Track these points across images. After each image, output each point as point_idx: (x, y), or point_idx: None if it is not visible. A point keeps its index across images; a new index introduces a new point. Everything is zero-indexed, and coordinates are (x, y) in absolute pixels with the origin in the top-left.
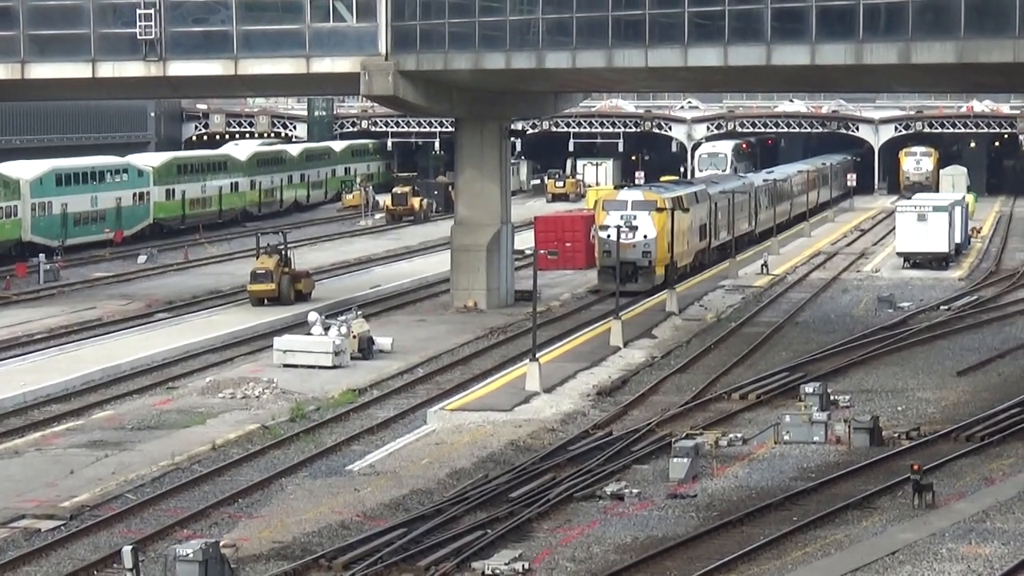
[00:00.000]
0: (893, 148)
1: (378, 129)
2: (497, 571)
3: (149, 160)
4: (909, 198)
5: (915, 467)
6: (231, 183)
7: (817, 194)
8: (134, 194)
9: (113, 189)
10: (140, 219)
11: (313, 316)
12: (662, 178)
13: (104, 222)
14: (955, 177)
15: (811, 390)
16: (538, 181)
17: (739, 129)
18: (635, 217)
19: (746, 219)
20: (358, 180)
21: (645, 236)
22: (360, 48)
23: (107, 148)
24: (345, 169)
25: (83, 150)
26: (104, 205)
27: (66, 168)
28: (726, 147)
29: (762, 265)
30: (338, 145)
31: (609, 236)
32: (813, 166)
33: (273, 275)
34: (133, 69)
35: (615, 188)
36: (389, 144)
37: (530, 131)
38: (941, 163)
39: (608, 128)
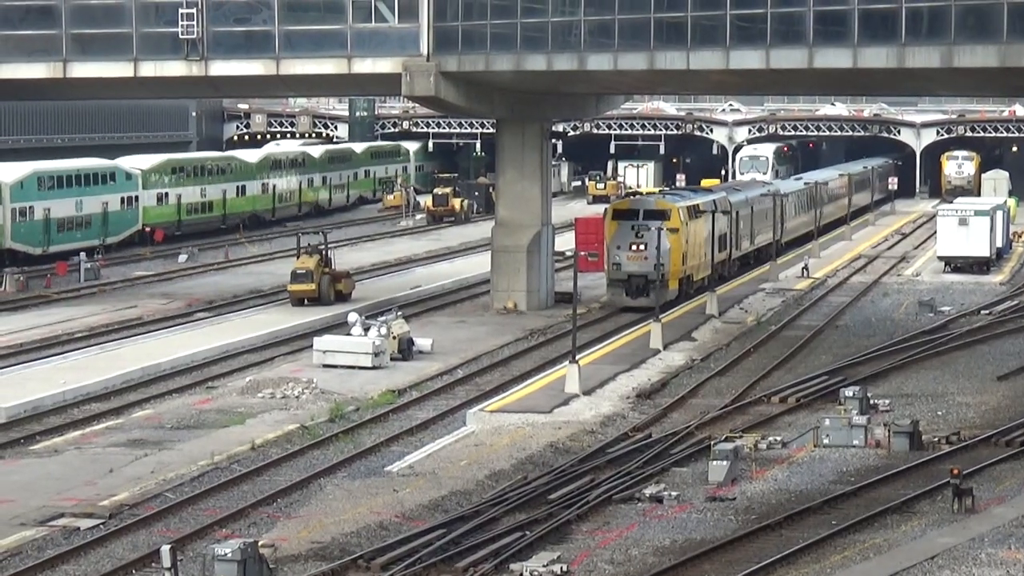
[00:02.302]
0: (935, 152)
1: (419, 130)
2: (536, 572)
3: (138, 162)
4: (951, 202)
5: (955, 471)
6: (237, 187)
7: (849, 201)
8: (122, 198)
9: (99, 193)
10: (128, 225)
11: (353, 316)
12: (703, 181)
13: (90, 228)
14: (997, 181)
15: (851, 394)
16: (579, 183)
17: (780, 132)
18: (647, 228)
19: (770, 228)
20: (399, 181)
21: (658, 248)
22: (402, 48)
23: (149, 147)
24: (366, 172)
25: (125, 149)
26: (89, 210)
27: (49, 171)
28: (767, 150)
29: (803, 268)
30: (359, 147)
31: (619, 247)
32: (849, 171)
33: (313, 275)
34: (175, 69)
35: (657, 191)
36: (430, 145)
37: (571, 133)
38: (983, 167)
39: (649, 130)
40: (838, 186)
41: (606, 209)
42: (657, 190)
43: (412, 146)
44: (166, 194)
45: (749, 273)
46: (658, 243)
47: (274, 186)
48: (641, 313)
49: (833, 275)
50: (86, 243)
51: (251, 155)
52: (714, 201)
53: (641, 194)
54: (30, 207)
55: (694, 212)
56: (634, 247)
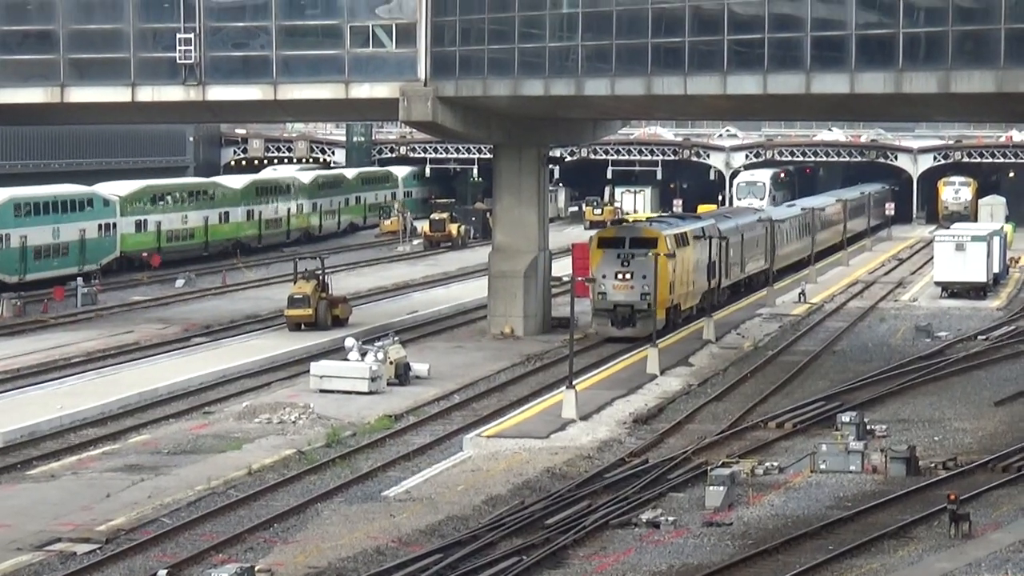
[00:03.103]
0: (932, 177)
1: (416, 155)
2: None
3: (116, 188)
4: (948, 227)
5: (952, 497)
6: (220, 213)
7: (844, 227)
8: (99, 225)
9: (77, 220)
10: (106, 253)
11: (350, 342)
12: (700, 207)
13: (67, 256)
14: (994, 207)
15: (848, 419)
16: (576, 208)
17: (777, 157)
18: (633, 256)
19: (761, 256)
20: (396, 206)
21: (644, 277)
22: (399, 74)
23: (146, 172)
24: (357, 198)
25: (122, 174)
26: (67, 237)
27: (25, 197)
28: (764, 176)
29: (800, 294)
30: (350, 172)
31: (605, 276)
32: (844, 196)
33: (310, 300)
34: (172, 93)
35: (644, 218)
36: (427, 171)
37: (568, 158)
38: (980, 193)
39: (646, 156)
40: (833, 212)
41: (591, 237)
42: (644, 217)
43: (401, 171)
44: (145, 221)
45: (746, 298)
46: (645, 272)
47: (260, 212)
48: (627, 344)
49: (830, 300)
50: (63, 271)
51: (235, 181)
52: (702, 229)
53: (629, 221)
54: (6, 234)
55: (682, 240)
56: (620, 276)
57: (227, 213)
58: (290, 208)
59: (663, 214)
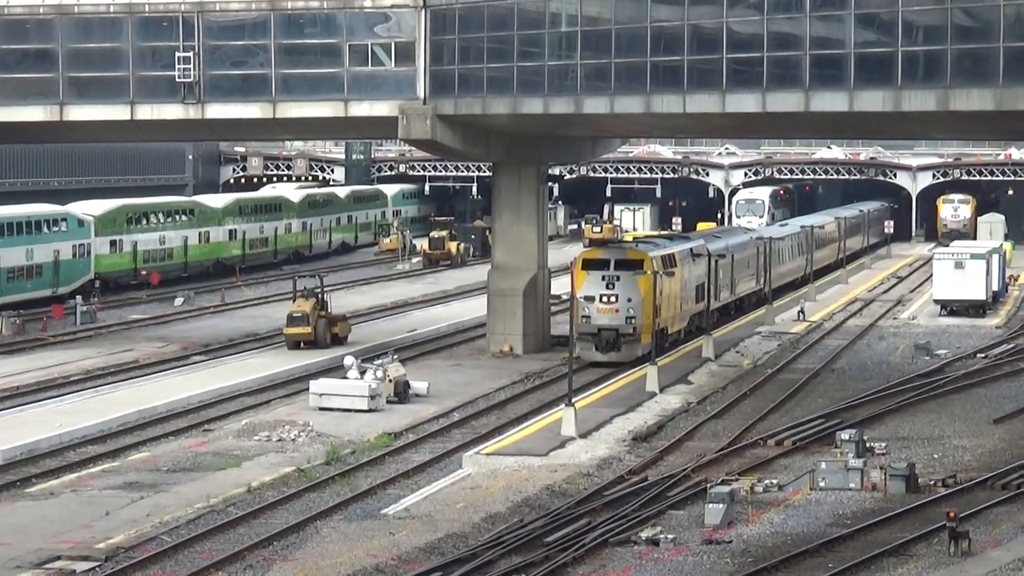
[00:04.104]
0: (931, 195)
1: (416, 173)
2: None
3: (91, 208)
4: (947, 245)
5: (951, 514)
6: (200, 233)
7: (839, 247)
8: (74, 246)
9: (50, 241)
10: (80, 274)
11: (349, 360)
12: (699, 224)
13: (41, 278)
14: (993, 225)
15: (847, 437)
16: (575, 226)
17: (777, 175)
18: (618, 278)
19: (752, 277)
20: (395, 224)
21: (629, 299)
22: (398, 92)
23: (145, 190)
24: (349, 217)
25: (121, 192)
26: (41, 258)
27: None
28: (763, 193)
29: (799, 311)
30: (343, 191)
31: (589, 299)
32: (842, 215)
33: (309, 318)
34: (171, 112)
35: (632, 239)
36: (427, 188)
37: (568, 176)
38: (979, 210)
39: (645, 174)
40: (830, 231)
41: (575, 259)
42: (631, 237)
43: (391, 190)
44: (120, 241)
45: (745, 317)
46: (630, 295)
47: (244, 232)
48: (611, 368)
49: (829, 318)
50: (37, 293)
51: (217, 200)
52: (691, 250)
53: (616, 242)
54: None
55: (669, 261)
56: (605, 299)
57: (207, 233)
58: (277, 227)
59: (650, 235)
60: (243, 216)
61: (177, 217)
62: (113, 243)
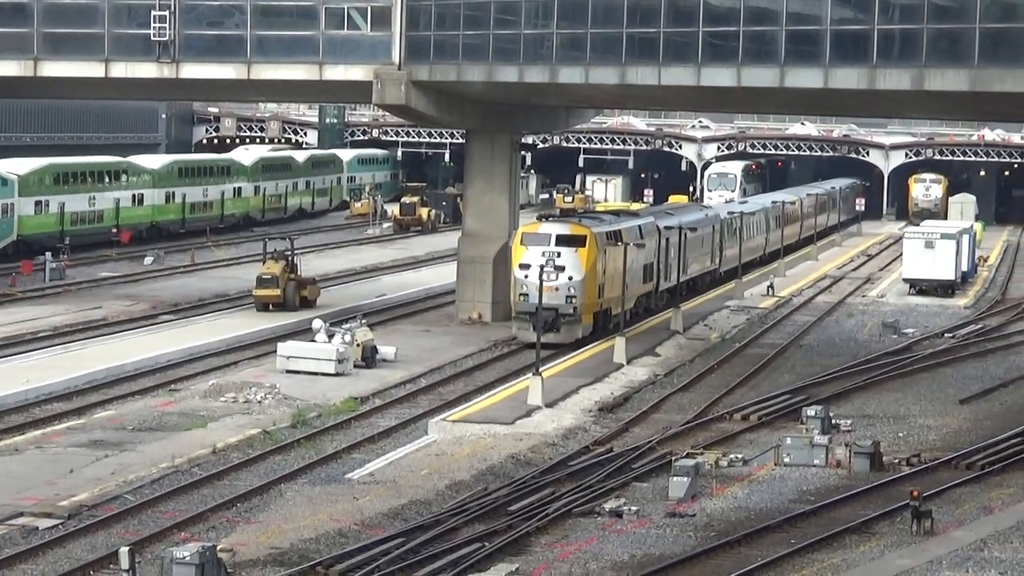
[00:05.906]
0: (903, 174)
1: (389, 138)
2: None
3: (15, 167)
4: (917, 224)
5: (914, 493)
6: (134, 195)
7: (810, 223)
8: None
9: None
10: (2, 235)
11: (317, 323)
12: (671, 197)
13: None
14: (964, 205)
15: (813, 413)
16: (547, 196)
17: (750, 150)
18: (559, 254)
19: (707, 256)
20: (367, 189)
21: (570, 278)
22: (373, 57)
23: (117, 148)
24: (307, 183)
25: (93, 149)
26: None
27: None
28: (736, 168)
29: (768, 287)
30: (301, 156)
31: (527, 276)
32: (811, 192)
33: (279, 281)
34: (146, 70)
35: (539, 219)
36: (399, 154)
37: (541, 145)
38: (950, 191)
39: (619, 145)
40: (796, 208)
41: (514, 233)
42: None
43: (346, 155)
44: (47, 202)
45: (715, 290)
46: (571, 273)
47: (184, 195)
48: (551, 350)
49: (798, 294)
50: None
51: (153, 160)
52: (639, 227)
53: (575, 212)
54: None
55: (614, 238)
56: (545, 277)
57: (141, 195)
58: (224, 191)
59: (594, 211)
60: (183, 178)
61: (109, 178)
62: (38, 204)
